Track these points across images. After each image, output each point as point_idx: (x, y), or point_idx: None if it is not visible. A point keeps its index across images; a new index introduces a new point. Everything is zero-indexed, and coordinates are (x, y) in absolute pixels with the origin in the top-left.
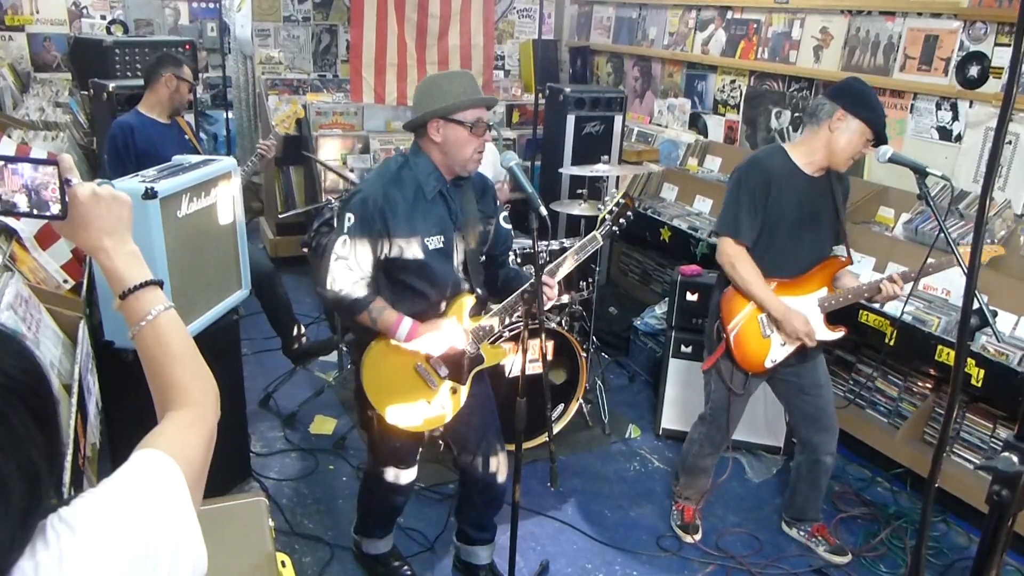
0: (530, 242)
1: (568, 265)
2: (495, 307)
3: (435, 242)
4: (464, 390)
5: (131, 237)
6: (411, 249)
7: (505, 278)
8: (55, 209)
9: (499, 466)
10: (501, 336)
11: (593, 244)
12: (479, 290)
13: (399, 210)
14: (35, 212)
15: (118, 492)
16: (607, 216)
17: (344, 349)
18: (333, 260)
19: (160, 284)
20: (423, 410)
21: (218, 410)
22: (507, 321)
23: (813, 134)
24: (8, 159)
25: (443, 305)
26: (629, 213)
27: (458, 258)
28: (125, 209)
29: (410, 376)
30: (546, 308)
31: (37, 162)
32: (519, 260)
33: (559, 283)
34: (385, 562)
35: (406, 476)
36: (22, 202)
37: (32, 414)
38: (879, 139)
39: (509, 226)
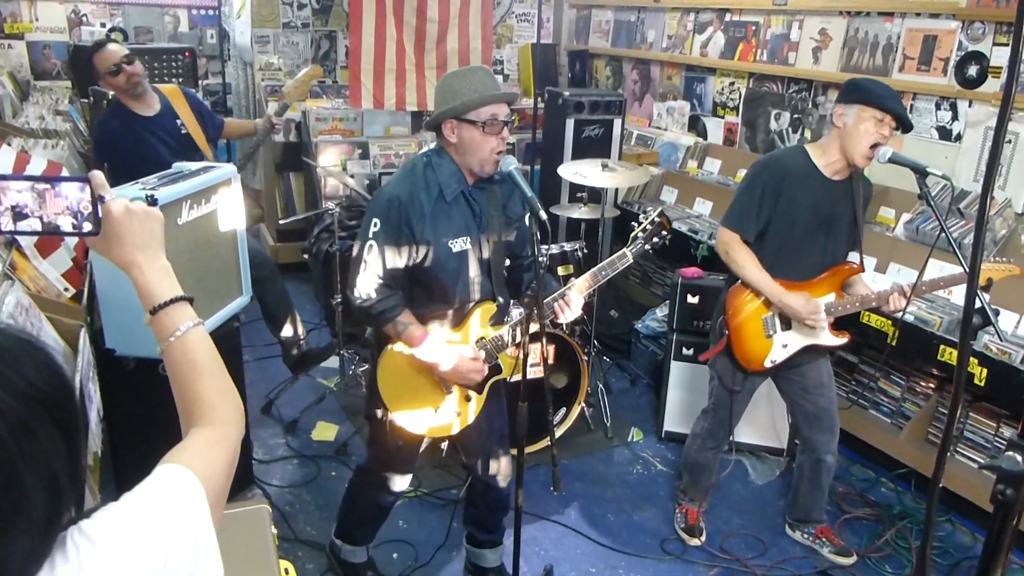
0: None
1: (594, 282)
2: (516, 317)
3: (458, 245)
4: (479, 400)
5: (163, 252)
6: (434, 252)
7: (530, 282)
8: (89, 226)
9: (501, 470)
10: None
11: (623, 261)
12: (501, 298)
13: (424, 212)
14: (73, 231)
15: (139, 506)
16: (640, 234)
17: (345, 355)
18: (361, 267)
19: (190, 300)
20: (434, 415)
21: (243, 429)
22: (528, 334)
23: (829, 137)
24: (36, 179)
25: (464, 310)
26: (664, 232)
27: (481, 263)
28: (157, 224)
29: (427, 381)
30: (568, 321)
31: (69, 180)
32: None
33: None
34: (361, 573)
35: (400, 478)
36: (66, 224)
37: (57, 426)
38: (898, 119)
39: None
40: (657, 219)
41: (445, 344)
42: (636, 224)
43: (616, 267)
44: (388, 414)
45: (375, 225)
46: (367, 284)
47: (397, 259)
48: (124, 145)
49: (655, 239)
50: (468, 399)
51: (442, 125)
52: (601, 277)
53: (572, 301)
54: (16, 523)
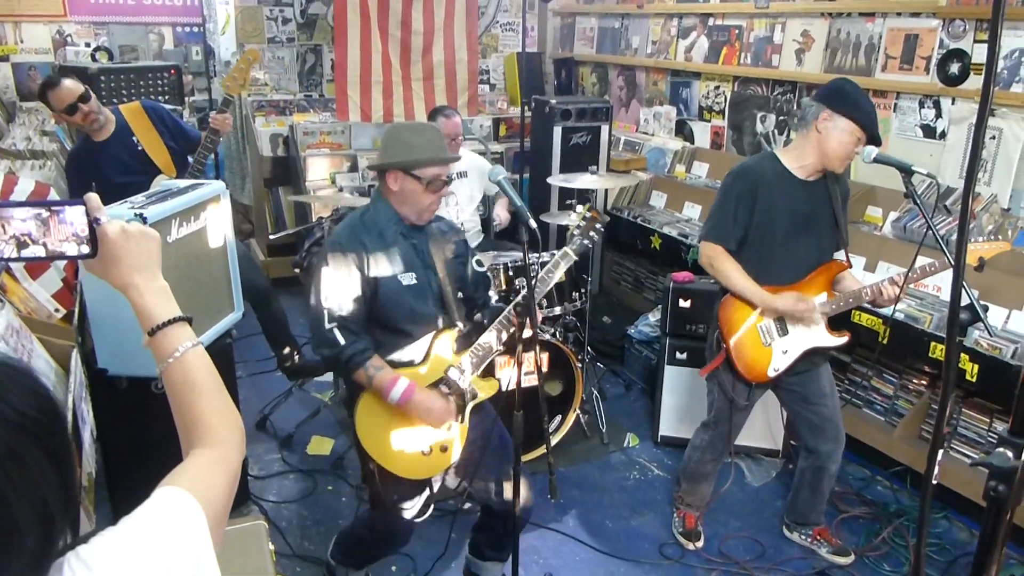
0: (520, 254)
1: (544, 286)
2: (479, 341)
3: (408, 279)
4: (463, 428)
5: (160, 273)
6: (386, 289)
7: (491, 316)
8: (85, 248)
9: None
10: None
11: (566, 260)
12: (460, 324)
13: (371, 253)
14: (70, 254)
15: (138, 531)
16: (576, 232)
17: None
18: (324, 318)
19: (189, 320)
20: (424, 455)
21: (243, 449)
22: (494, 350)
23: (803, 138)
24: (38, 204)
25: (425, 342)
26: (598, 225)
27: (433, 294)
28: (154, 245)
29: (406, 422)
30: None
31: (64, 203)
32: (511, 272)
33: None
34: None
35: (403, 531)
36: (67, 249)
37: (46, 453)
38: (872, 138)
39: (483, 269)
40: (588, 214)
41: (416, 388)
42: (570, 222)
43: (560, 266)
44: (376, 465)
45: (328, 273)
46: (332, 332)
47: (355, 302)
48: (83, 173)
49: (591, 232)
50: (450, 428)
51: (387, 173)
52: (549, 280)
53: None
54: (8, 552)
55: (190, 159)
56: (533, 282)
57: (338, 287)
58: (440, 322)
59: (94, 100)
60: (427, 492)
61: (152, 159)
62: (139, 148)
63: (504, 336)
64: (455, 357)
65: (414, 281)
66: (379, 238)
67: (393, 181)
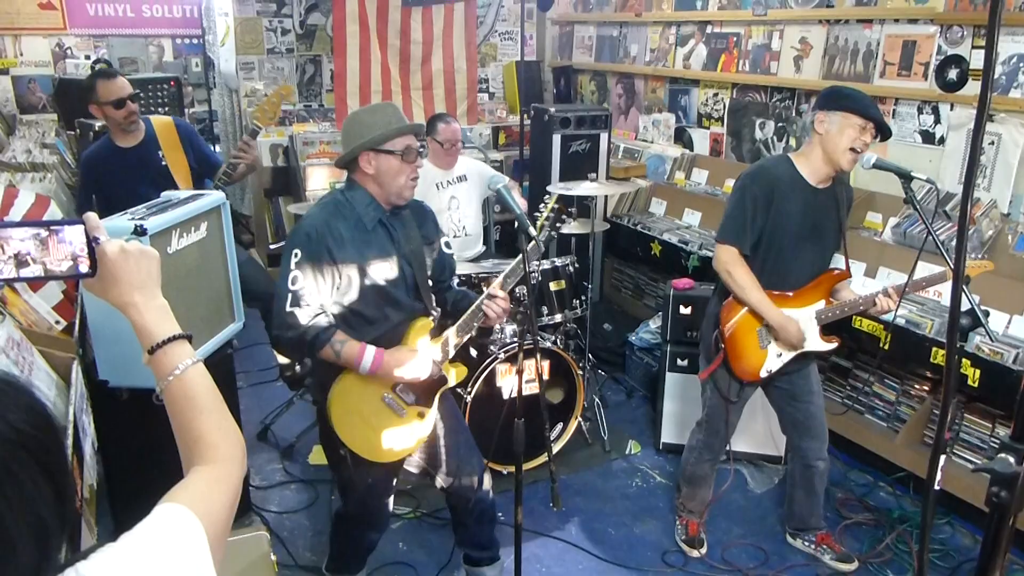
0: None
1: (514, 276)
2: (452, 327)
3: (383, 269)
4: (432, 413)
5: (159, 291)
6: (360, 277)
7: (454, 300)
8: (84, 267)
9: (481, 481)
10: (496, 357)
11: (535, 251)
12: (434, 311)
13: (344, 240)
14: (69, 273)
15: (137, 548)
16: (545, 223)
17: None
18: (288, 300)
19: (189, 338)
20: (394, 439)
21: (244, 466)
22: (466, 339)
23: (809, 146)
24: (37, 224)
25: (401, 329)
26: (564, 216)
27: (408, 283)
28: (154, 263)
29: (378, 407)
30: (498, 322)
31: (63, 223)
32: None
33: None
34: None
35: (382, 512)
36: (65, 268)
37: (42, 470)
38: (876, 123)
39: (450, 251)
40: (556, 205)
41: (384, 351)
42: (539, 213)
43: (531, 257)
44: (348, 451)
45: (296, 256)
46: (295, 314)
47: (323, 286)
48: (103, 176)
49: (558, 224)
50: (421, 416)
51: (359, 158)
52: (520, 271)
53: (496, 295)
54: (3, 569)
55: (208, 183)
56: (534, 291)
57: (306, 270)
58: (413, 310)
59: (137, 104)
60: (396, 477)
61: (173, 175)
62: (163, 163)
63: (478, 323)
64: (432, 344)
65: (388, 270)
66: (356, 226)
67: (367, 164)
